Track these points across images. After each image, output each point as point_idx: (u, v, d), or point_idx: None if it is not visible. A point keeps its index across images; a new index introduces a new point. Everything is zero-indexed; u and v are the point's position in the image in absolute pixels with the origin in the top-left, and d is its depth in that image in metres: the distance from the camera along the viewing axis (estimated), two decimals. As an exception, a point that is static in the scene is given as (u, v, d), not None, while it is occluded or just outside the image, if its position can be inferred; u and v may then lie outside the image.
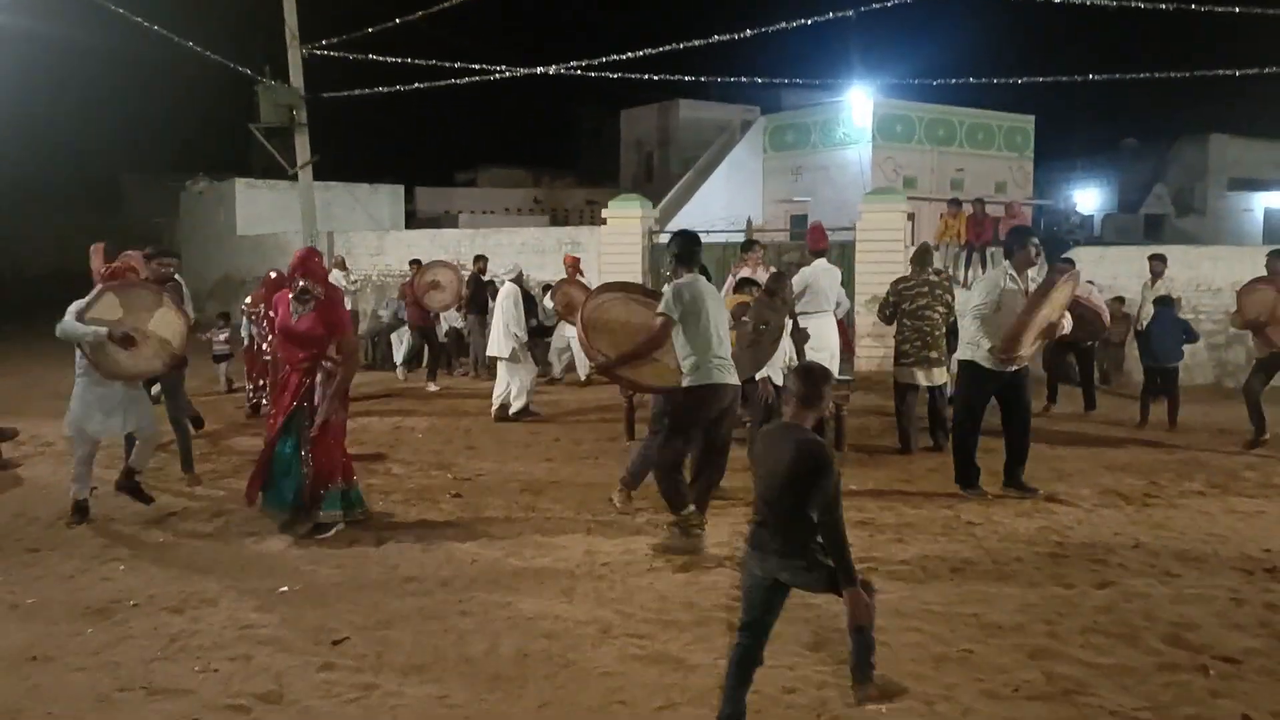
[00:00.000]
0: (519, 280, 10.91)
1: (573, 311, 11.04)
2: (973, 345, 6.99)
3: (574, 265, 13.17)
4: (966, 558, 5.63)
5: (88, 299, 6.29)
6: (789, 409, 3.70)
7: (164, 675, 4.11)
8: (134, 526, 6.31)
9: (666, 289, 6.02)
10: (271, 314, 9.72)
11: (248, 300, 11.40)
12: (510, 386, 10.54)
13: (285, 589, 5.13)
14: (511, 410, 10.49)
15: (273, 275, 10.74)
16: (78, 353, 6.34)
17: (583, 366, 12.96)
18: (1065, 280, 7.03)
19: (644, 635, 4.52)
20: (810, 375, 3.76)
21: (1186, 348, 10.17)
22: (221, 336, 12.83)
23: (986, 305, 6.91)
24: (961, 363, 7.25)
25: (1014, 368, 6.91)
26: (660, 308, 5.91)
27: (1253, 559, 5.59)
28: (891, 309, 8.76)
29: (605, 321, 6.46)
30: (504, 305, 10.47)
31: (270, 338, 10.25)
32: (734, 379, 6.04)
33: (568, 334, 12.91)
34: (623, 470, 6.77)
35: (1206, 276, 13.16)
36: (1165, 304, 10.23)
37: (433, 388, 12.86)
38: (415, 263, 14.62)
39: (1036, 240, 7.24)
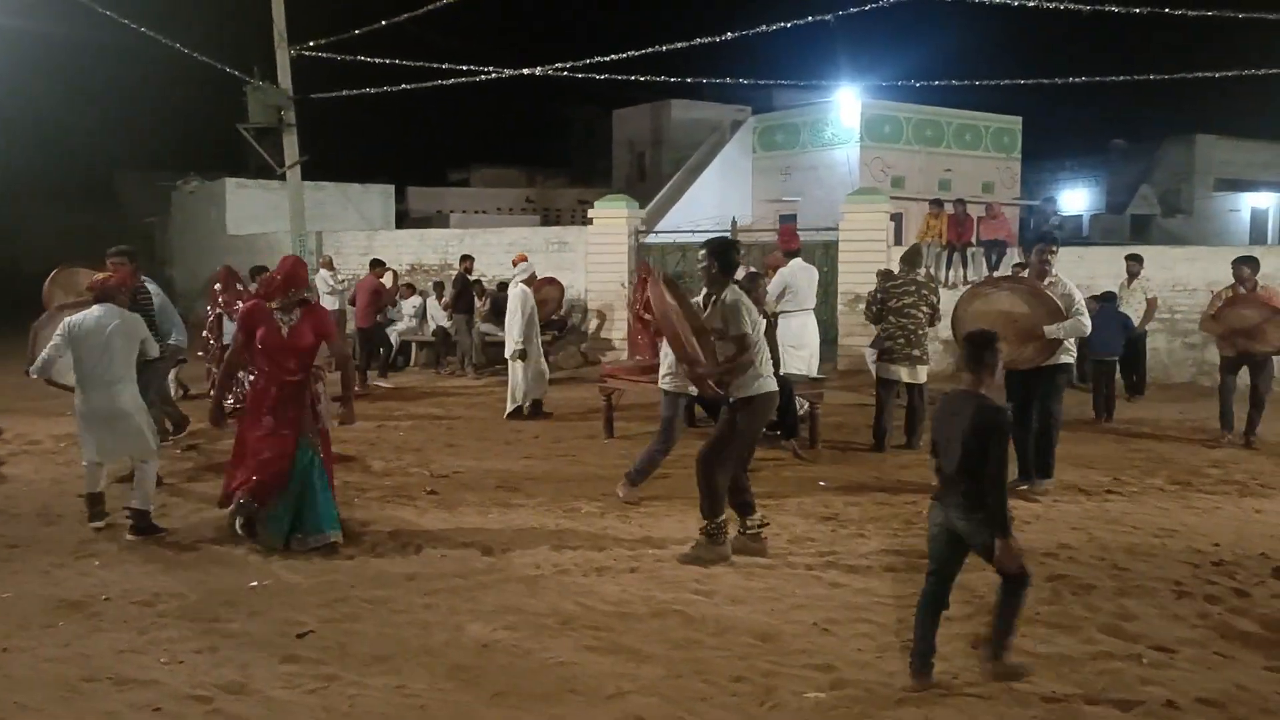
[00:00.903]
0: (531, 281, 11.10)
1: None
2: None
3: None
4: (924, 552, 5.74)
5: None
6: (966, 377, 4.10)
7: (132, 666, 4.24)
8: (112, 526, 6.42)
9: (739, 306, 5.67)
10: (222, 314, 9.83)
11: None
12: (520, 383, 10.70)
13: (254, 584, 5.26)
14: (507, 409, 10.68)
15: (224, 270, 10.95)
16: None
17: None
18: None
19: (602, 627, 4.66)
20: (972, 343, 4.14)
21: (1168, 347, 10.41)
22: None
23: None
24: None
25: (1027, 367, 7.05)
26: (743, 329, 5.60)
27: (1201, 553, 5.74)
28: (879, 306, 8.91)
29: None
30: (511, 307, 10.64)
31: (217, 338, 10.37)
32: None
33: (485, 328, 13.23)
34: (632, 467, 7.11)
35: (1183, 277, 13.31)
36: (1108, 299, 10.54)
37: (385, 384, 13.22)
38: (377, 263, 14.45)
39: (1042, 249, 7.47)
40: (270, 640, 4.51)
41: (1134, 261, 11.61)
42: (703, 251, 5.85)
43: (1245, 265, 9.04)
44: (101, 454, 6.25)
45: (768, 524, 5.91)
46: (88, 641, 4.50)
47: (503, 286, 14.92)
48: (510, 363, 10.69)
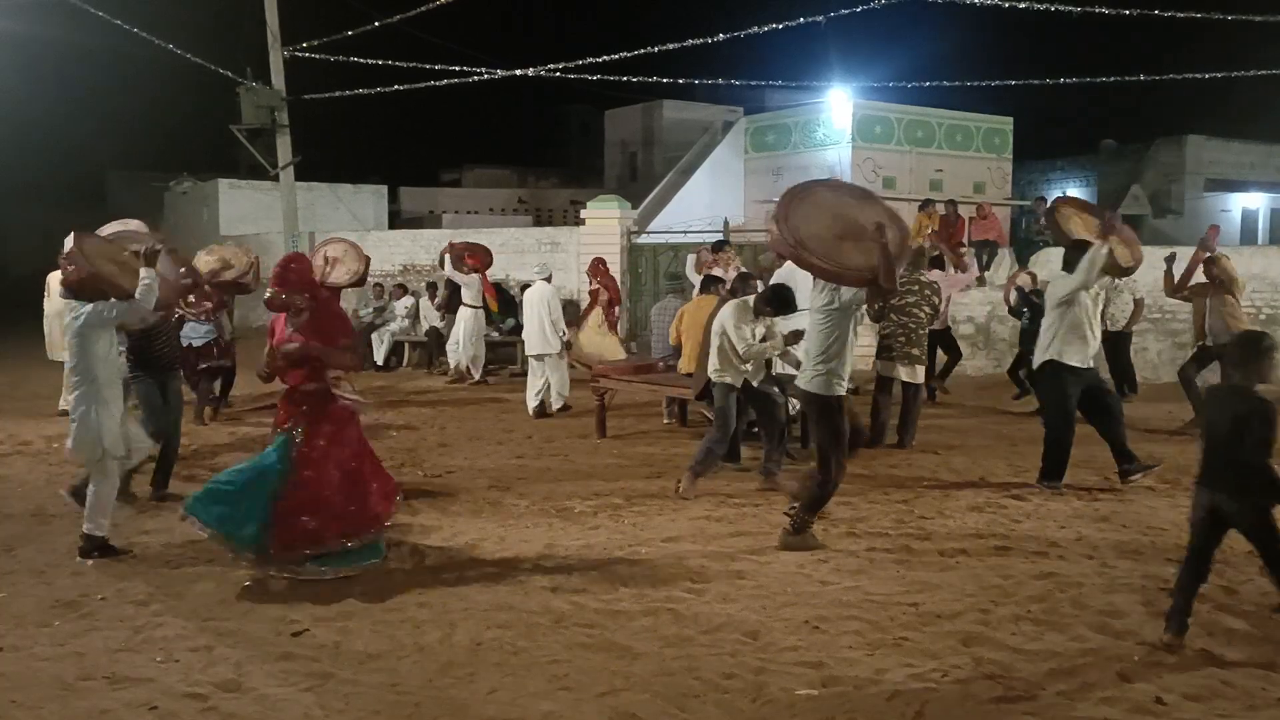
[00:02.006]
0: (550, 279, 11.24)
1: None
2: (1057, 347, 7.16)
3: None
4: (913, 550, 5.82)
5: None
6: (1236, 373, 4.48)
7: (127, 665, 4.27)
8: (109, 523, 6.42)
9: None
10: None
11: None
12: (550, 384, 10.83)
13: (249, 583, 5.29)
14: (555, 407, 10.85)
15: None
16: (99, 367, 5.78)
17: (473, 368, 13.30)
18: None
19: (594, 625, 4.69)
20: (1246, 344, 4.51)
21: (1157, 348, 10.52)
22: None
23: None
24: (1045, 364, 7.27)
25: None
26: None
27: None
28: (881, 304, 8.92)
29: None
30: (541, 304, 10.72)
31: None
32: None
33: (454, 336, 13.24)
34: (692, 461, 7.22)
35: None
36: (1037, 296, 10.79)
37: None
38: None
39: None
40: (265, 638, 4.53)
41: None
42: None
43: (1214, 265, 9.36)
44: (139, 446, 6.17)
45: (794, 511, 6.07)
46: (83, 640, 4.52)
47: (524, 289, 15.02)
48: (543, 361, 10.77)
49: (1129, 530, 6.25)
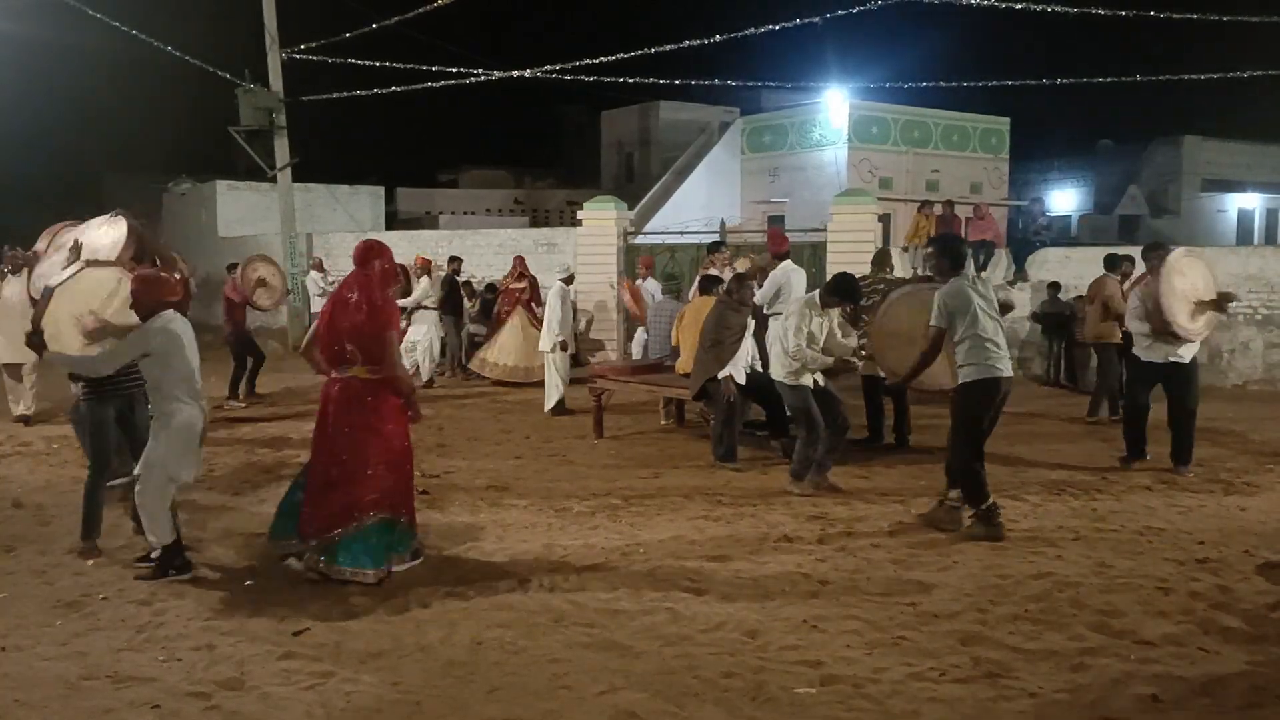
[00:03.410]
0: (570, 280, 11.38)
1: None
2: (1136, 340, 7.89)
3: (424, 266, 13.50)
4: (911, 551, 5.85)
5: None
6: None
7: (130, 664, 4.28)
8: (107, 523, 6.43)
9: (936, 297, 6.34)
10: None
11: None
12: (564, 377, 10.95)
13: (250, 582, 5.30)
14: (548, 404, 10.93)
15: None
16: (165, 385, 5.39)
17: (427, 369, 13.25)
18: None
19: (593, 624, 4.71)
20: None
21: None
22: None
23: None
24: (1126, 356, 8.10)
25: (1173, 359, 7.76)
26: (931, 320, 6.27)
27: (1185, 550, 5.83)
28: (852, 309, 9.00)
29: (893, 330, 7.62)
30: (551, 303, 10.87)
31: None
32: (1009, 370, 6.23)
33: (413, 336, 13.15)
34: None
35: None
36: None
37: (238, 405, 11.64)
38: (232, 266, 13.04)
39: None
40: (267, 638, 4.55)
41: (1126, 262, 11.70)
42: (930, 249, 6.81)
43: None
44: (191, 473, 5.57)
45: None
46: (85, 640, 4.53)
47: (491, 288, 15.23)
48: (549, 357, 10.89)
49: (1126, 530, 6.28)
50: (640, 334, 12.42)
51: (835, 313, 7.38)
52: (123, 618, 4.81)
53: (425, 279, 13.20)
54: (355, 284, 5.41)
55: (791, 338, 7.14)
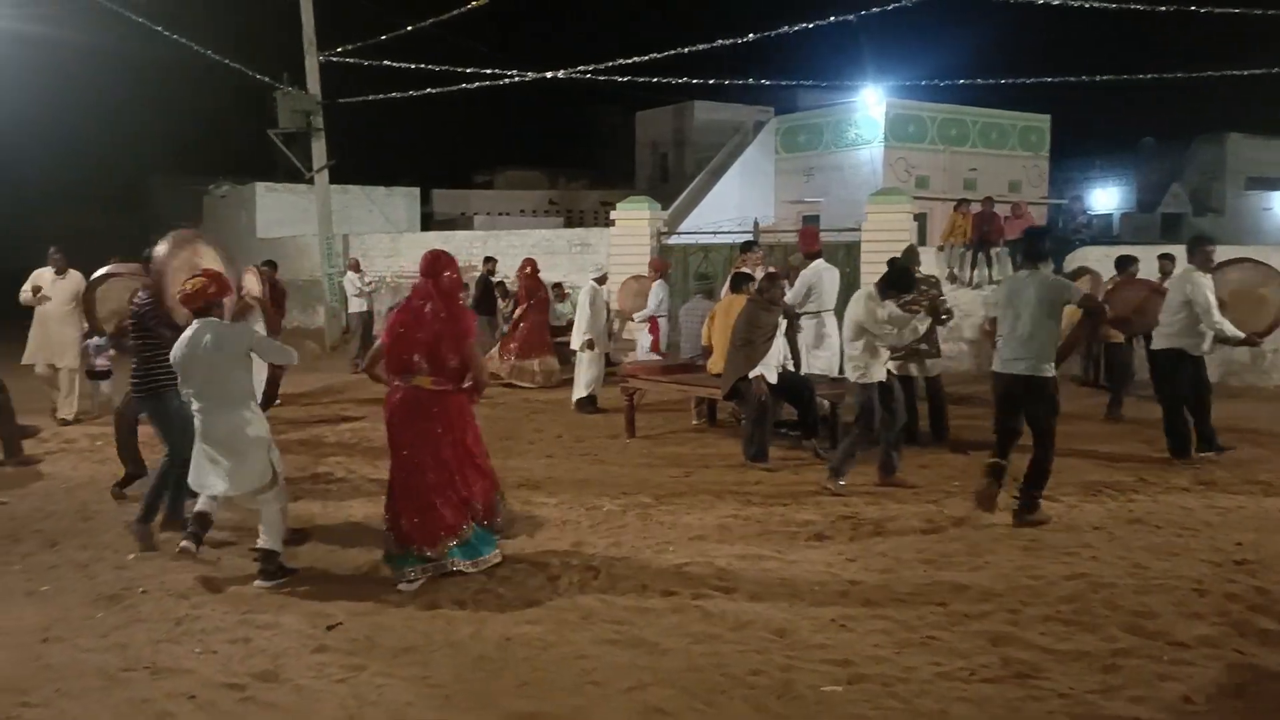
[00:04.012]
0: (603, 280, 11.51)
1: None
2: (1183, 336, 8.04)
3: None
4: (943, 550, 5.82)
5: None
6: None
7: (168, 656, 4.37)
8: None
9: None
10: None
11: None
12: (592, 374, 11.10)
13: (284, 578, 5.38)
14: (575, 396, 11.12)
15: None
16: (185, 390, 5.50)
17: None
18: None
19: (622, 621, 4.74)
20: None
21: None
22: (101, 353, 10.32)
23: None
24: (1165, 351, 8.20)
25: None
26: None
27: (1222, 551, 5.74)
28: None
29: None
30: (582, 303, 11.05)
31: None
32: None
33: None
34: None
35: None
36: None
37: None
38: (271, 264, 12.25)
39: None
40: (300, 632, 4.62)
41: (1166, 260, 11.53)
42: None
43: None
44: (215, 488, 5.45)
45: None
46: (125, 632, 4.64)
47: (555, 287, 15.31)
48: (579, 354, 11.06)
49: (1163, 531, 6.20)
50: (636, 333, 12.07)
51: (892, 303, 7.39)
52: (161, 610, 4.91)
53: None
54: (427, 295, 5.36)
55: (879, 328, 7.12)
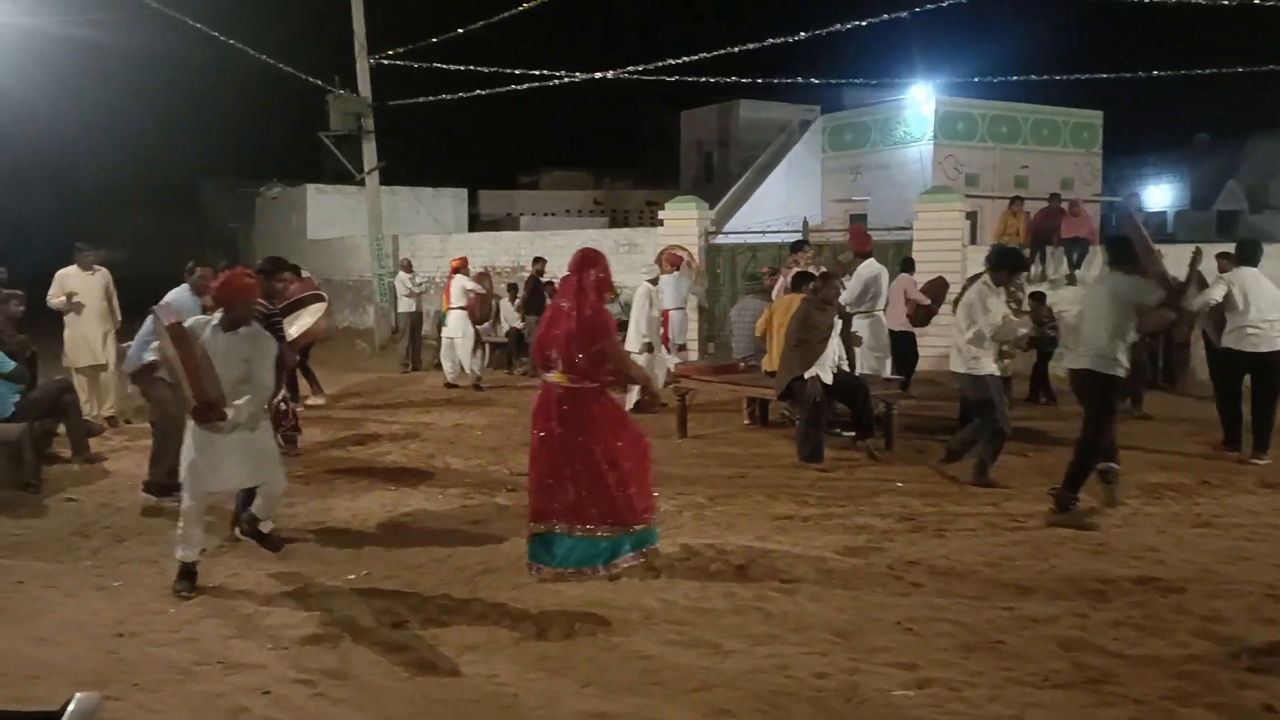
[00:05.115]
0: (655, 281, 11.43)
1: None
2: (1234, 334, 8.20)
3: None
4: (1006, 554, 5.74)
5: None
6: None
7: (239, 651, 4.45)
8: (210, 518, 6.66)
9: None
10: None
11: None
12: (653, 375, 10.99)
13: (352, 577, 5.45)
14: (628, 404, 10.93)
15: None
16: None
17: (451, 371, 13.29)
18: None
19: (683, 622, 4.73)
20: None
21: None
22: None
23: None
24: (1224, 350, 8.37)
25: (1266, 349, 8.08)
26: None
27: (1295, 557, 5.61)
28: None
29: None
30: (638, 303, 10.92)
31: None
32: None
33: (449, 334, 13.27)
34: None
35: (1274, 275, 12.86)
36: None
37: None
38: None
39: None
40: (368, 629, 4.68)
41: (1224, 259, 11.30)
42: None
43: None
44: (219, 484, 5.36)
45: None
46: (196, 627, 4.72)
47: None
48: (635, 358, 10.90)
49: (1230, 535, 6.07)
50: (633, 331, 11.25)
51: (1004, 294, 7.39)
52: (230, 607, 5.00)
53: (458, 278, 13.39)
54: (570, 292, 5.46)
55: (988, 320, 7.07)
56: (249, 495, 5.57)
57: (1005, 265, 7.35)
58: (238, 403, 5.11)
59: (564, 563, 5.37)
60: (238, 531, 5.82)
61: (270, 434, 5.61)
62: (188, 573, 5.22)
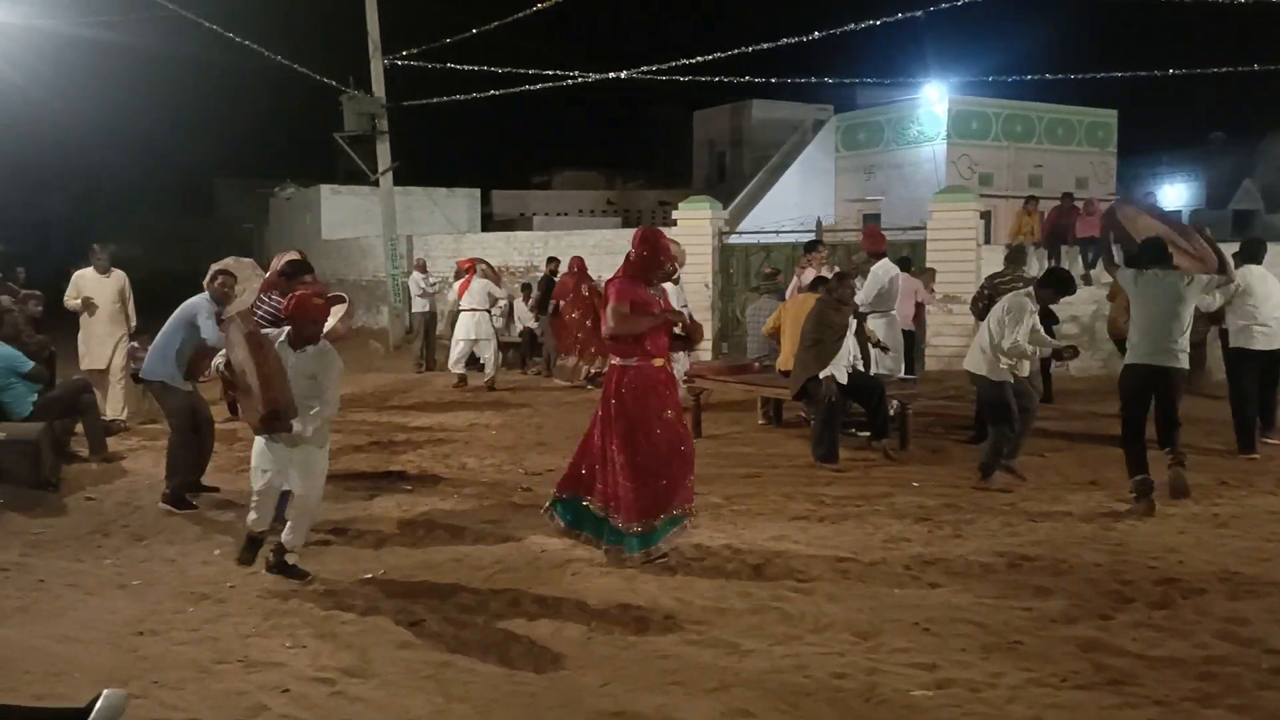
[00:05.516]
0: (677, 281, 11.34)
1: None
2: (1243, 333, 8.37)
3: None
4: (1024, 554, 5.72)
5: None
6: None
7: (259, 650, 4.47)
8: (229, 516, 6.71)
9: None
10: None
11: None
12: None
13: (369, 575, 5.47)
14: None
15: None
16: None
17: (458, 365, 13.28)
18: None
19: (701, 621, 4.73)
20: None
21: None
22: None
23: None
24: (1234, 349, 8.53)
25: (1276, 346, 8.30)
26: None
27: (1317, 558, 5.57)
28: (985, 303, 8.95)
29: None
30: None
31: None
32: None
33: (460, 334, 13.25)
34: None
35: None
36: None
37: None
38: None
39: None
40: (386, 628, 4.69)
41: (1232, 258, 11.26)
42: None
43: None
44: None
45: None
46: (216, 626, 4.74)
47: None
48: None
49: (1250, 536, 6.04)
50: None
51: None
52: (250, 605, 5.02)
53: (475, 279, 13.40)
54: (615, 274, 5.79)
55: (1009, 335, 7.03)
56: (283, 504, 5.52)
57: (1052, 286, 7.26)
58: (310, 413, 5.19)
59: (577, 525, 5.74)
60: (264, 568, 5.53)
61: (328, 454, 5.61)
62: (253, 542, 5.37)
